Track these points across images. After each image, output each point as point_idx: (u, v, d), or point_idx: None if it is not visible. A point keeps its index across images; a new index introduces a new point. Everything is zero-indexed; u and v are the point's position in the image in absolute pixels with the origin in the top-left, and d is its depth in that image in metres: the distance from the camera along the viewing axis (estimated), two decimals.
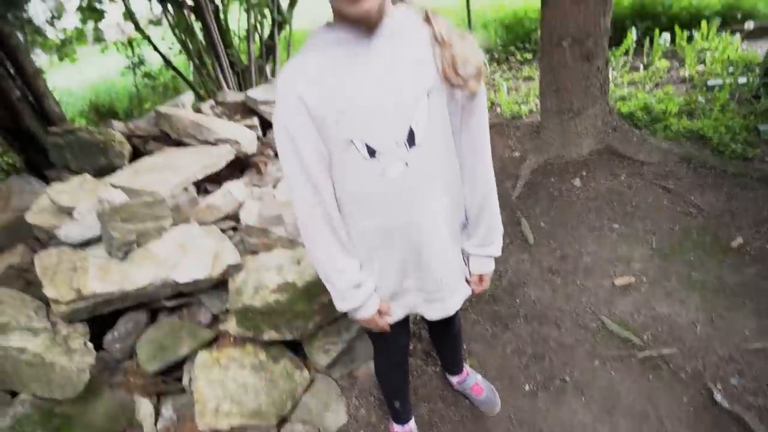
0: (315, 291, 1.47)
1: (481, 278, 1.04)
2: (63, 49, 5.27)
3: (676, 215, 2.24)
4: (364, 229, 0.89)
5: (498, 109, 3.55)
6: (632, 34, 3.86)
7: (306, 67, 0.76)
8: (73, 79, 7.40)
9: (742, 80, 3.13)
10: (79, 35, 5.23)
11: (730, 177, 2.39)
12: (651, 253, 2.07)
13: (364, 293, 0.92)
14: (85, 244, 1.61)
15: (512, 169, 2.75)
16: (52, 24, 4.88)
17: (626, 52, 3.94)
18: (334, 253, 0.88)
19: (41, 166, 2.87)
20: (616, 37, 4.22)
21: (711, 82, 3.26)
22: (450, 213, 0.93)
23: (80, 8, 4.78)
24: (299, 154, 0.78)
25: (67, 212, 1.67)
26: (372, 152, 0.79)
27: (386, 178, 0.81)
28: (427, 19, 0.79)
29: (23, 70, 3.28)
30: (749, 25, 3.84)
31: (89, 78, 7.48)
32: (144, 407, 1.53)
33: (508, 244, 2.27)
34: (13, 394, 1.43)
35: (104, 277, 1.50)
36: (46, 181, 2.23)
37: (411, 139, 0.79)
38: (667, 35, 3.89)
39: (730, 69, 3.33)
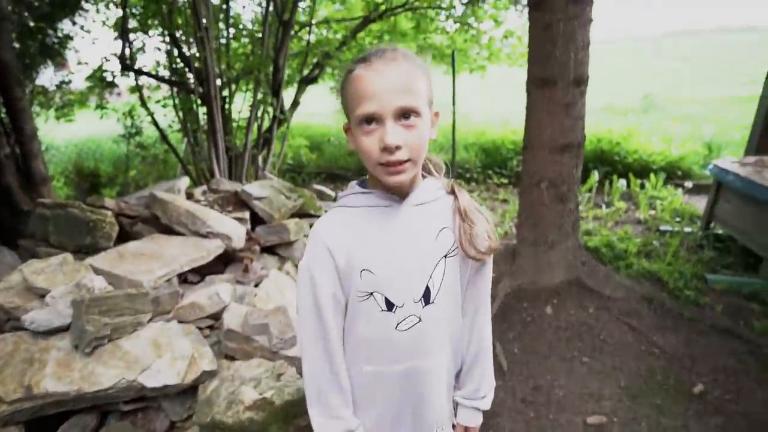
0: (293, 412, 1.40)
1: (466, 430, 1.04)
2: (63, 110, 5.40)
3: (641, 354, 2.35)
4: (368, 374, 0.90)
5: None
6: (595, 176, 4.38)
7: (339, 224, 0.85)
8: (58, 131, 7.36)
9: (687, 229, 3.54)
10: (83, 100, 5.42)
11: (686, 321, 2.57)
12: (620, 391, 2.12)
13: None
14: (51, 332, 1.51)
15: None
16: (59, 88, 5.06)
17: (590, 190, 4.42)
18: (331, 397, 0.88)
19: (12, 228, 2.77)
20: (582, 176, 4.79)
21: (663, 228, 3.66)
22: (451, 363, 0.97)
23: (91, 77, 5.02)
24: (316, 297, 0.83)
25: (40, 294, 1.58)
26: (390, 306, 0.85)
27: (399, 330, 0.86)
28: (453, 192, 0.91)
29: (22, 130, 3.32)
30: (689, 184, 4.49)
31: (74, 132, 7.43)
32: None
33: None
34: None
35: (63, 374, 1.38)
36: (17, 250, 2.14)
37: (427, 297, 0.86)
38: (623, 181, 4.43)
39: (677, 219, 3.78)
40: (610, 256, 3.15)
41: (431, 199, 0.88)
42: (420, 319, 0.87)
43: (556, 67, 2.29)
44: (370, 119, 0.76)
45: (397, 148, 0.75)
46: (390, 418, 0.94)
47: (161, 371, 1.44)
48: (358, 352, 0.89)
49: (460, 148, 5.78)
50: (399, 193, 0.85)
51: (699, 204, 4.06)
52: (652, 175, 4.53)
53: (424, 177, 0.91)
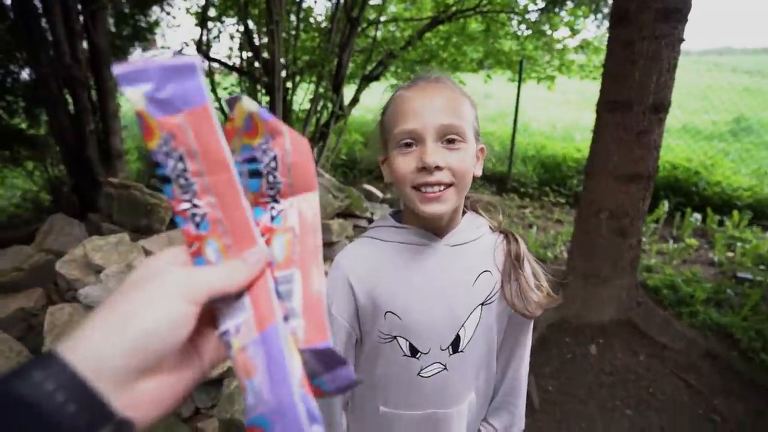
0: None
1: None
2: None
3: (696, 418, 2.11)
4: (384, 415, 0.86)
5: None
6: (664, 206, 4.00)
7: (364, 258, 0.80)
8: None
9: None
10: None
11: (758, 389, 2.27)
12: None
13: None
14: None
15: None
16: None
17: (657, 221, 4.05)
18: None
19: (87, 197, 3.02)
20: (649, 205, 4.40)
21: (740, 275, 3.26)
22: (475, 411, 0.90)
23: None
24: (331, 329, 0.79)
25: (96, 270, 1.70)
26: (414, 352, 0.79)
27: (421, 376, 0.80)
28: (505, 234, 0.83)
29: (106, 108, 3.61)
30: None
31: None
32: None
33: None
34: None
35: None
36: (86, 223, 2.32)
37: (455, 346, 0.80)
38: (698, 215, 4.00)
39: (761, 266, 3.35)
40: (671, 300, 2.85)
41: (472, 238, 0.81)
42: (445, 367, 0.80)
43: (633, 89, 2.09)
44: (410, 138, 0.70)
45: (437, 168, 0.68)
46: None
47: None
48: (375, 392, 0.85)
49: (518, 160, 5.53)
50: (436, 232, 0.78)
51: None
52: (735, 212, 4.05)
53: (464, 213, 0.84)
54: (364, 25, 5.16)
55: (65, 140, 3.46)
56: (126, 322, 0.26)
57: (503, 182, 5.32)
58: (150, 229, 2.08)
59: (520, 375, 0.91)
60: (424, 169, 0.68)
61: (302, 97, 5.08)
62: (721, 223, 4.07)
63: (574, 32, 5.05)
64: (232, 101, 0.31)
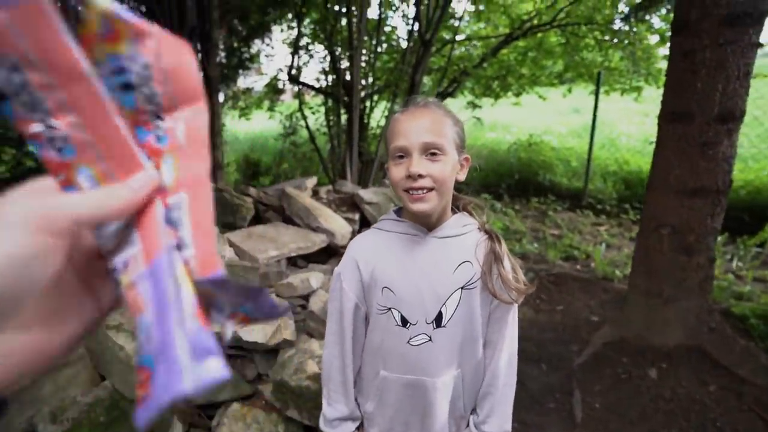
0: None
1: None
2: (244, 110, 6.75)
3: None
4: (384, 378, 1.02)
5: (592, 264, 3.46)
6: None
7: (369, 244, 1.00)
8: (241, 125, 8.96)
9: None
10: (259, 103, 6.68)
11: None
12: None
13: (343, 430, 1.04)
14: None
15: (584, 333, 2.62)
16: (245, 93, 6.36)
17: (761, 245, 3.59)
18: (333, 388, 1.03)
19: None
20: (752, 225, 3.90)
21: None
22: (460, 388, 1.02)
23: (268, 85, 6.16)
24: (341, 303, 0.99)
25: None
26: (404, 322, 0.96)
27: (410, 344, 0.97)
28: (489, 235, 0.99)
29: (213, 127, 4.31)
30: None
31: (253, 127, 9.10)
32: (176, 430, 1.77)
33: (551, 411, 2.14)
34: (103, 378, 1.80)
35: None
36: None
37: (438, 321, 0.96)
38: None
39: None
40: (761, 331, 2.54)
41: (456, 233, 0.97)
42: (430, 339, 0.96)
43: (694, 100, 2.00)
44: (401, 153, 0.90)
45: (420, 176, 0.87)
46: (402, 421, 1.05)
47: (254, 330, 1.81)
48: (376, 358, 1.02)
49: (597, 176, 5.25)
50: (428, 226, 0.96)
51: None
52: None
53: (454, 212, 1.01)
54: (439, 45, 5.41)
55: None
56: None
57: (578, 198, 5.09)
58: (235, 225, 2.52)
59: (500, 366, 1.01)
60: (410, 176, 0.87)
61: (379, 115, 5.46)
62: None
63: (664, 40, 4.72)
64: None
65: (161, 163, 0.29)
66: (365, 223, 3.14)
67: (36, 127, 0.25)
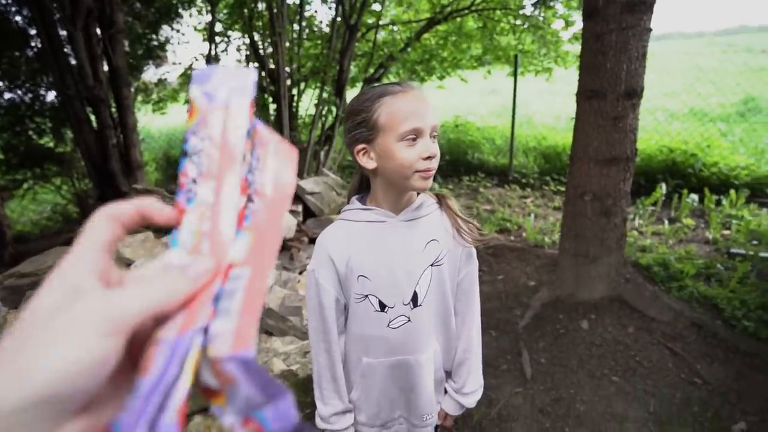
0: (311, 385, 1.61)
1: (446, 416, 1.15)
2: (159, 104, 6.18)
3: (679, 382, 2.24)
4: (367, 365, 1.05)
5: (523, 234, 3.75)
6: (662, 189, 4.09)
7: (339, 236, 1.00)
8: (154, 121, 8.28)
9: (765, 254, 3.21)
10: (175, 96, 6.16)
11: (741, 354, 2.39)
12: (647, 416, 2.06)
13: (342, 424, 1.05)
14: None
15: (524, 297, 2.87)
16: (158, 85, 5.81)
17: (654, 204, 4.15)
18: (325, 384, 1.04)
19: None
20: (647, 187, 4.49)
21: (733, 251, 3.35)
22: (440, 359, 1.09)
23: (182, 75, 5.69)
24: (320, 299, 0.99)
25: (126, 264, 1.95)
26: (383, 307, 0.99)
27: (390, 327, 1.00)
28: (441, 199, 1.04)
29: (125, 123, 3.90)
30: None
31: (166, 121, 8.40)
32: None
33: (504, 372, 2.33)
34: None
35: None
36: None
37: (415, 300, 1.00)
38: (695, 196, 4.09)
39: (754, 242, 3.43)
40: (662, 276, 2.98)
41: (422, 215, 1.01)
42: (409, 319, 1.00)
43: (605, 78, 2.25)
44: (414, 134, 0.89)
45: (433, 157, 0.91)
46: (387, 402, 1.08)
47: None
48: (358, 346, 1.04)
49: (519, 152, 5.67)
50: (394, 210, 0.98)
51: None
52: (732, 192, 4.12)
53: (417, 194, 1.04)
54: (364, 30, 5.39)
55: (90, 155, 3.77)
56: (29, 371, 0.22)
57: (505, 174, 5.47)
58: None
59: (473, 334, 1.09)
60: (429, 157, 0.89)
61: (308, 102, 5.32)
62: (718, 203, 4.15)
63: (568, 24, 5.17)
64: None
65: (240, 238, 0.31)
66: (309, 214, 3.08)
67: (185, 179, 0.30)
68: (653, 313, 2.62)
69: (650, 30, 2.23)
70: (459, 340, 1.10)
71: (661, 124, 5.82)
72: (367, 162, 0.94)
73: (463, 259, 1.05)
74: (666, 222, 3.94)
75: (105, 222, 0.29)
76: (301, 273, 2.31)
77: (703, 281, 2.96)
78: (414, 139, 0.89)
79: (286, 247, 2.59)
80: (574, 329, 2.60)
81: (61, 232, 4.90)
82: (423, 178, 0.90)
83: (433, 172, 0.91)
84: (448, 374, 1.15)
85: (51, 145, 5.05)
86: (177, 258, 0.29)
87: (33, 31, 4.07)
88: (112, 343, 0.24)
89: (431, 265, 1.00)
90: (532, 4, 4.92)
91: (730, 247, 3.44)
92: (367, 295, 0.98)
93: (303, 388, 1.60)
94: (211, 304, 0.28)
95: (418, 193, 1.04)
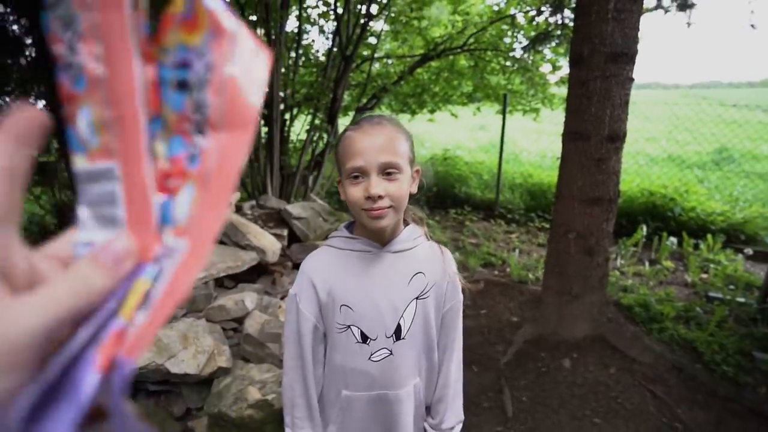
0: None
1: None
2: None
3: (660, 426, 2.22)
4: (346, 398, 1.01)
5: (507, 269, 3.77)
6: (642, 230, 4.19)
7: (323, 263, 0.98)
8: None
9: (741, 299, 3.28)
10: None
11: (720, 399, 2.39)
12: None
13: None
14: None
15: (507, 333, 2.84)
16: None
17: (635, 245, 4.23)
18: (298, 412, 0.99)
19: None
20: (628, 228, 4.59)
21: (712, 294, 3.42)
22: (421, 395, 1.06)
23: None
24: (299, 325, 0.96)
25: None
26: (365, 338, 0.96)
27: (372, 360, 0.97)
28: (441, 250, 1.05)
29: None
30: (749, 250, 4.14)
31: None
32: None
33: (485, 410, 2.27)
34: None
35: None
36: None
37: (398, 334, 0.97)
38: (674, 239, 4.20)
39: (731, 286, 3.51)
40: (643, 317, 3.00)
41: (409, 247, 1.00)
42: (391, 353, 0.97)
43: (590, 122, 2.33)
44: (358, 173, 0.89)
45: (380, 197, 0.88)
46: None
47: (184, 361, 1.65)
48: (337, 377, 1.00)
49: (506, 188, 5.78)
50: (380, 241, 0.97)
51: (761, 273, 3.74)
52: (709, 236, 4.25)
53: (407, 224, 1.04)
54: (359, 61, 5.54)
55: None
56: None
57: (491, 209, 5.54)
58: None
59: (452, 368, 1.07)
60: (370, 198, 0.87)
61: (299, 127, 5.38)
62: (696, 247, 4.26)
63: (555, 68, 5.42)
64: None
65: (181, 190, 0.24)
66: (294, 239, 3.05)
67: (60, 48, 0.22)
68: (634, 354, 2.62)
69: (632, 79, 2.35)
70: (439, 375, 1.08)
71: (642, 167, 6.04)
72: (342, 194, 0.95)
73: (449, 291, 1.04)
74: (647, 263, 4.02)
75: None
76: (282, 298, 2.26)
77: (682, 324, 2.99)
78: (356, 177, 0.89)
79: (268, 271, 2.54)
80: (556, 368, 2.57)
81: (36, 244, 4.73)
82: (370, 218, 0.89)
83: (382, 211, 0.88)
84: (428, 410, 1.12)
85: (35, 154, 4.94)
86: (88, 233, 0.23)
87: (29, 41, 4.06)
88: (10, 379, 0.20)
89: (416, 298, 0.98)
90: (522, 48, 5.15)
91: (708, 290, 3.51)
92: (349, 326, 0.96)
93: (277, 419, 1.53)
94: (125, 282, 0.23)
95: (406, 224, 1.04)
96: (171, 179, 0.24)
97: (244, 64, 0.23)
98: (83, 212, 0.24)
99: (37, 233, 5.27)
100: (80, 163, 0.23)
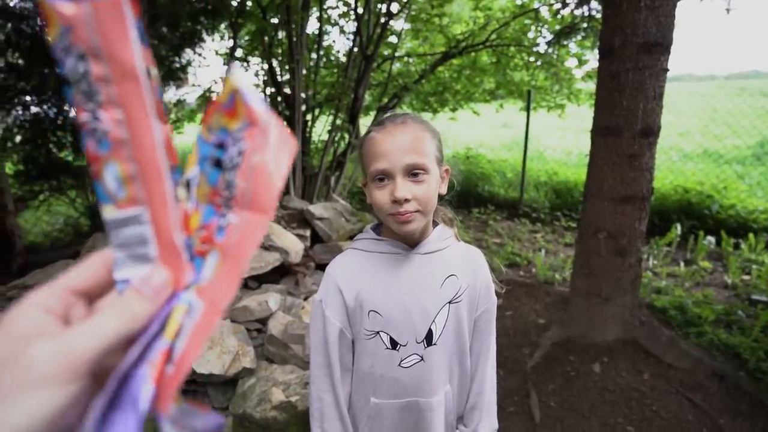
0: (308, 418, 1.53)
1: None
2: (176, 123, 6.33)
3: None
4: (375, 405, 0.97)
5: (533, 270, 3.67)
6: (676, 229, 4.01)
7: (350, 266, 0.95)
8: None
9: None
10: (192, 116, 6.31)
11: (767, 410, 2.25)
12: None
13: None
14: None
15: (534, 336, 2.76)
16: (176, 105, 5.97)
17: (669, 244, 4.05)
18: (328, 422, 0.94)
19: None
20: (661, 227, 4.40)
21: (755, 297, 3.23)
22: (452, 402, 1.02)
23: (201, 96, 5.85)
24: (326, 332, 0.93)
25: None
26: (394, 344, 0.92)
27: (402, 367, 0.93)
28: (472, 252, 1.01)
29: None
30: None
31: (184, 140, 8.59)
32: None
33: (511, 414, 2.21)
34: None
35: None
36: None
37: (429, 339, 0.93)
38: (712, 238, 3.99)
39: None
40: (679, 321, 2.86)
41: (440, 248, 0.96)
42: (422, 359, 0.93)
43: (621, 116, 2.23)
44: (382, 175, 0.86)
45: (406, 200, 0.84)
46: None
47: (210, 361, 1.66)
48: (366, 385, 0.96)
49: (531, 187, 5.64)
50: (409, 242, 0.93)
51: None
52: (751, 236, 4.01)
53: (436, 224, 1.00)
54: (380, 60, 5.51)
55: None
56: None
57: (515, 208, 5.42)
58: None
59: (487, 375, 1.02)
60: (396, 201, 0.84)
61: (321, 128, 5.40)
62: (737, 246, 4.03)
63: (581, 63, 5.24)
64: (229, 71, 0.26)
65: (209, 254, 0.27)
66: (317, 240, 3.05)
67: (85, 116, 0.25)
68: (670, 359, 2.50)
69: (667, 70, 2.23)
70: (473, 382, 1.03)
71: (675, 163, 5.77)
72: (368, 197, 0.92)
73: (482, 294, 1.00)
74: (681, 264, 3.83)
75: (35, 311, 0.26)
76: (306, 299, 2.26)
77: (723, 328, 2.83)
78: (381, 180, 0.86)
79: (291, 272, 2.54)
80: (585, 372, 2.48)
81: (71, 245, 4.93)
82: (396, 222, 0.86)
83: (409, 216, 0.84)
84: (460, 419, 1.07)
85: (70, 158, 5.15)
86: (124, 271, 0.27)
87: None
88: (78, 386, 0.24)
89: (449, 303, 0.94)
90: (546, 42, 5.00)
91: (750, 293, 3.31)
92: (378, 332, 0.92)
93: (301, 421, 1.52)
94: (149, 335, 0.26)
95: (435, 224, 1.00)
96: (204, 243, 0.28)
97: (272, 153, 0.27)
98: (116, 254, 0.27)
99: (72, 234, 5.50)
100: (109, 212, 0.27)
